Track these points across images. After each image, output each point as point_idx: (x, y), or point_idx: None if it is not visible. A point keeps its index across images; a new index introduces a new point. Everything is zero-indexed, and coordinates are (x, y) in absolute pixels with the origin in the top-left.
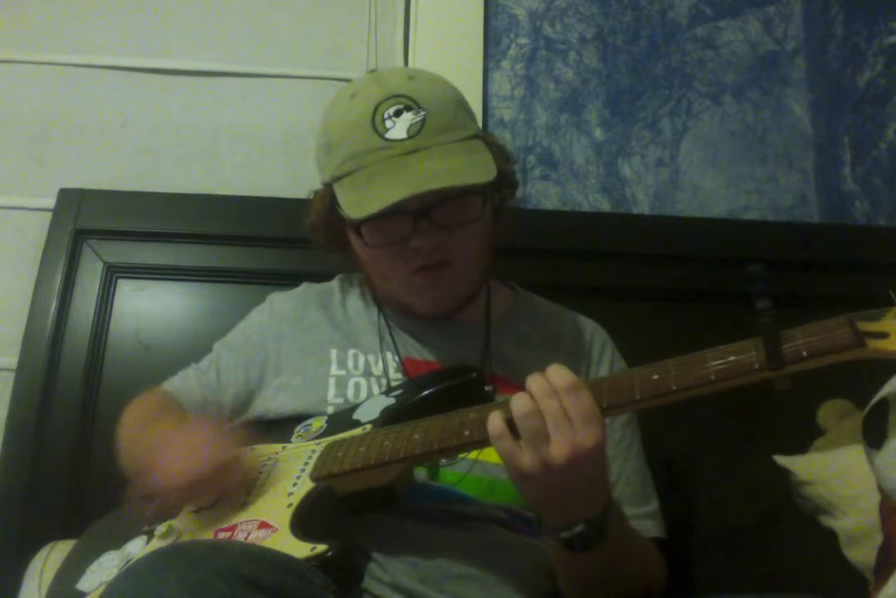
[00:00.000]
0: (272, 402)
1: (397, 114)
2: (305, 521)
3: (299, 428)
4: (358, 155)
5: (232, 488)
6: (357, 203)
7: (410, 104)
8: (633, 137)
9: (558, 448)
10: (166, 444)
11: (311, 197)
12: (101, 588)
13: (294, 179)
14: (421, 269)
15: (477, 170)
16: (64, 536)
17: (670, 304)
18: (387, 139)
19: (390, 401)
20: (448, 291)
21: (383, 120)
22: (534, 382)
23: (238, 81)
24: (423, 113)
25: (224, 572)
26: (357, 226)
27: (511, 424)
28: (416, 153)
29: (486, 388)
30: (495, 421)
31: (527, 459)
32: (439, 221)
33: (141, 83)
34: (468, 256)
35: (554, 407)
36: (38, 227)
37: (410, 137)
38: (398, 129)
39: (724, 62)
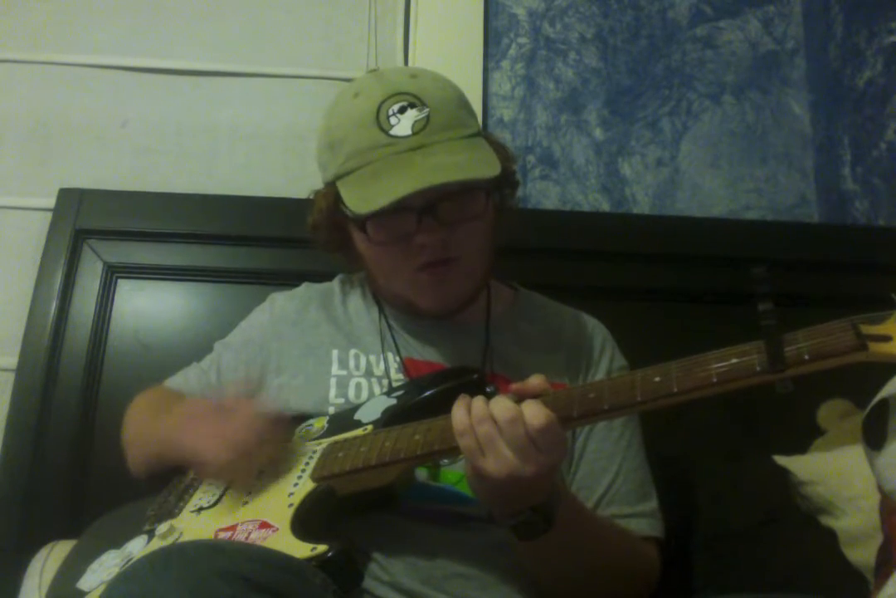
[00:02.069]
0: (273, 402)
1: (401, 111)
2: (306, 521)
3: (301, 428)
4: (362, 152)
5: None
6: (362, 199)
7: (414, 101)
8: (633, 136)
9: (525, 466)
10: (195, 424)
11: (311, 197)
12: (102, 588)
13: (294, 179)
14: (426, 265)
15: (481, 165)
16: (64, 536)
17: (670, 304)
18: (391, 136)
19: (392, 402)
20: (453, 288)
21: (387, 117)
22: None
23: (238, 81)
24: (426, 110)
25: (224, 572)
26: (362, 223)
27: None
28: (420, 150)
29: (488, 389)
30: (461, 414)
31: (491, 461)
32: (444, 216)
33: (141, 83)
34: (472, 253)
35: (492, 432)
36: (38, 227)
37: (415, 133)
38: (402, 125)
39: (724, 62)
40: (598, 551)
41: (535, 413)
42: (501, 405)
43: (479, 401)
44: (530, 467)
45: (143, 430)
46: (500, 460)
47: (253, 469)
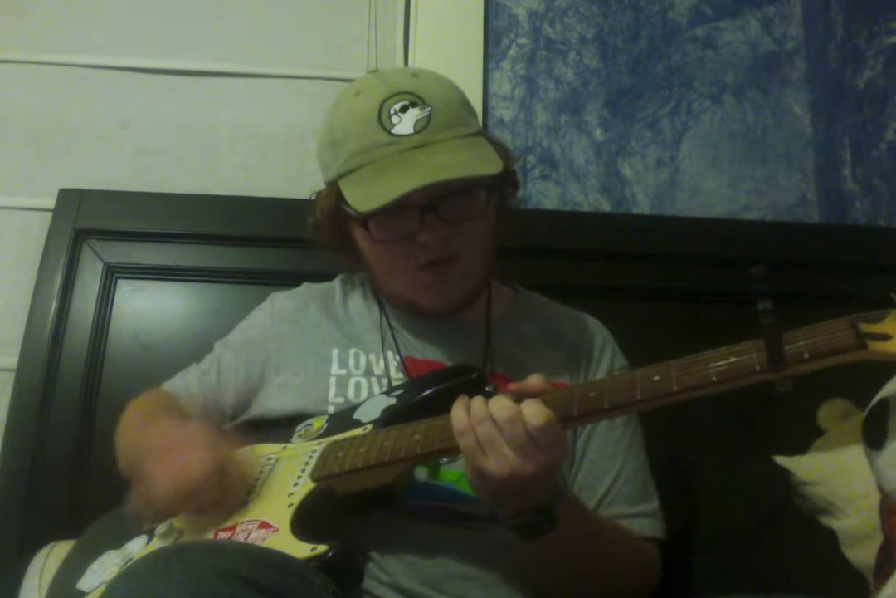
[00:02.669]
0: (273, 401)
1: (403, 110)
2: (306, 521)
3: (300, 428)
4: (365, 150)
5: (224, 495)
6: (365, 197)
7: (416, 100)
8: (633, 137)
9: (526, 464)
10: (156, 454)
11: (312, 197)
12: (102, 588)
13: (294, 179)
14: (428, 264)
15: (484, 163)
16: (64, 536)
17: (670, 304)
18: (394, 134)
19: (391, 401)
20: (454, 287)
21: (389, 116)
22: (474, 405)
23: (238, 81)
24: (428, 109)
25: (224, 572)
26: (364, 222)
27: None
28: (423, 148)
29: (487, 388)
30: (460, 414)
31: (491, 460)
32: (446, 214)
33: (141, 83)
34: (474, 252)
35: (490, 431)
36: (38, 227)
37: (417, 132)
38: (405, 124)
39: (724, 62)
40: (600, 551)
41: (534, 412)
42: (500, 405)
43: (478, 401)
44: (531, 465)
45: (129, 443)
46: (501, 460)
47: (186, 510)
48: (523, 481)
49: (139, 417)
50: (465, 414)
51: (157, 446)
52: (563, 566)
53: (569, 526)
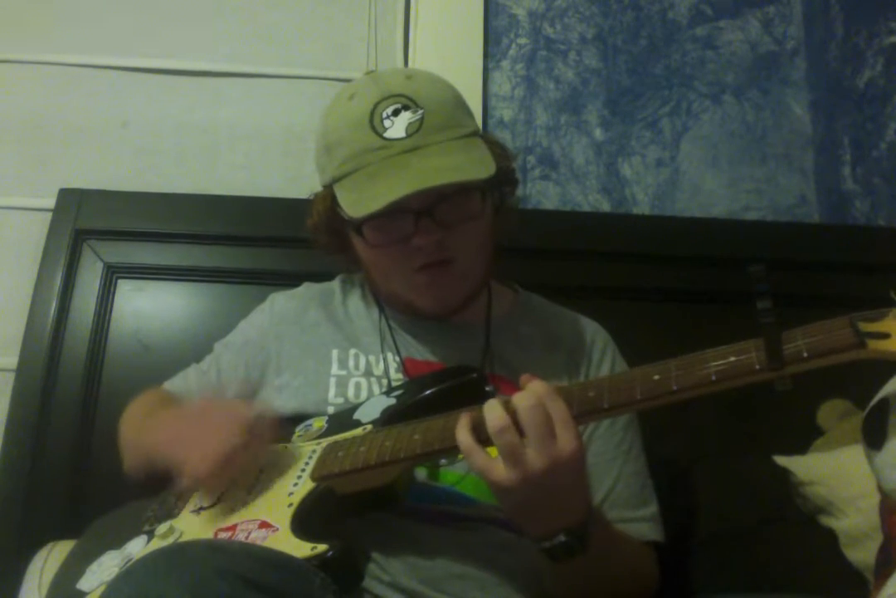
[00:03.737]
0: (273, 402)
1: (395, 113)
2: (306, 521)
3: (300, 428)
4: (357, 155)
5: (257, 456)
6: (357, 202)
7: (408, 103)
8: (633, 137)
9: (536, 459)
10: (181, 435)
11: (311, 198)
12: (102, 588)
13: (294, 179)
14: (424, 267)
15: (476, 166)
16: (64, 536)
17: (670, 304)
18: (385, 139)
19: (391, 401)
20: (451, 289)
21: (381, 120)
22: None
23: (238, 81)
24: (420, 112)
25: (224, 572)
26: (358, 226)
27: (478, 431)
28: (415, 152)
29: (487, 388)
30: (463, 435)
31: (503, 472)
32: (441, 218)
33: (141, 83)
34: (470, 253)
35: (537, 417)
36: (38, 227)
37: (409, 135)
38: (396, 128)
39: (724, 62)
40: (620, 561)
41: (546, 391)
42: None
43: (496, 409)
44: (542, 459)
45: (135, 436)
46: (512, 466)
47: (227, 481)
48: (539, 486)
49: (144, 410)
50: (468, 433)
51: (177, 428)
52: (583, 579)
53: (598, 546)
